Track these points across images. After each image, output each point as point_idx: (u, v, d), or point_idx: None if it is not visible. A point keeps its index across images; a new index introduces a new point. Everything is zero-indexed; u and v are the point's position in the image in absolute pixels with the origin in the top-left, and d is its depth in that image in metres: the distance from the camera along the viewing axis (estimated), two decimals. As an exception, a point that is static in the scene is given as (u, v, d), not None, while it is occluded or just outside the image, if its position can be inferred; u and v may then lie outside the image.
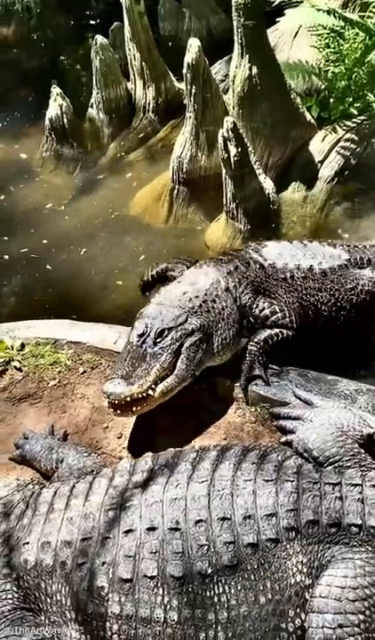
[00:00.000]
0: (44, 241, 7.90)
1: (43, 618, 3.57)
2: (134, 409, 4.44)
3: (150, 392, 4.45)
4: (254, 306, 5.05)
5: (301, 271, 5.29)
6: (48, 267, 7.58)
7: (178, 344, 4.62)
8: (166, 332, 4.62)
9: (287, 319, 5.07)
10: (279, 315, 5.05)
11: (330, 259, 5.45)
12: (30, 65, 12.36)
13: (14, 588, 3.61)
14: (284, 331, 5.05)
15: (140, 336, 4.61)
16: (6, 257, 7.70)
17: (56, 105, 9.04)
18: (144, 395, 4.43)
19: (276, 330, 5.05)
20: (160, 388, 4.50)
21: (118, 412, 4.44)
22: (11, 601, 3.60)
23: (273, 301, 5.10)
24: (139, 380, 4.43)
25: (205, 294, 4.88)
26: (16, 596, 3.61)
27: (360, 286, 5.48)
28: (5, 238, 8.00)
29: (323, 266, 5.39)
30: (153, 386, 4.47)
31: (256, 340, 5.00)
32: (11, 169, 9.32)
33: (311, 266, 5.34)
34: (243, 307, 5.02)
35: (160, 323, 4.64)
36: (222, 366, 4.94)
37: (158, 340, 4.59)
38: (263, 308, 5.04)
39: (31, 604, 3.60)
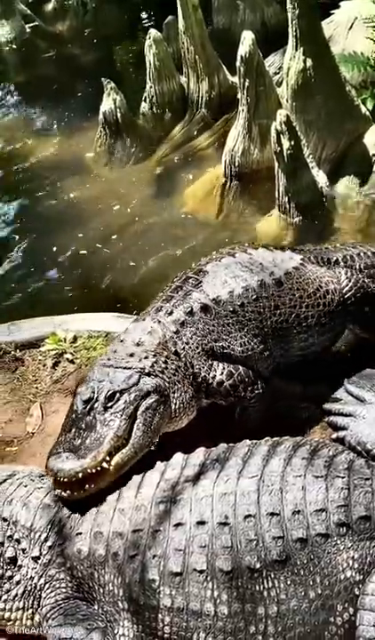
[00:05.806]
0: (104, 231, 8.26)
1: (96, 607, 3.64)
2: (87, 487, 3.78)
3: (104, 465, 3.81)
4: (209, 375, 4.40)
5: (252, 292, 4.55)
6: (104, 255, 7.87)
7: (132, 407, 4.01)
8: (118, 394, 4.01)
9: (241, 387, 4.44)
10: (234, 380, 4.42)
11: (281, 264, 4.76)
12: (85, 60, 12.50)
13: (68, 578, 3.68)
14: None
15: (87, 402, 4.01)
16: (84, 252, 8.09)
17: (110, 100, 9.12)
18: (98, 469, 3.79)
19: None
20: (116, 459, 3.86)
21: (68, 492, 3.79)
22: (65, 590, 3.68)
23: (226, 366, 4.43)
24: (90, 452, 3.82)
25: (155, 354, 4.24)
26: (70, 585, 3.68)
27: (324, 286, 4.79)
28: (80, 235, 8.33)
29: (276, 275, 4.67)
30: (107, 457, 3.83)
31: None
32: (71, 166, 9.48)
33: (262, 281, 4.60)
34: (195, 374, 4.38)
35: (110, 385, 4.05)
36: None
37: (109, 405, 3.99)
38: (214, 376, 4.40)
39: (84, 593, 3.66)
